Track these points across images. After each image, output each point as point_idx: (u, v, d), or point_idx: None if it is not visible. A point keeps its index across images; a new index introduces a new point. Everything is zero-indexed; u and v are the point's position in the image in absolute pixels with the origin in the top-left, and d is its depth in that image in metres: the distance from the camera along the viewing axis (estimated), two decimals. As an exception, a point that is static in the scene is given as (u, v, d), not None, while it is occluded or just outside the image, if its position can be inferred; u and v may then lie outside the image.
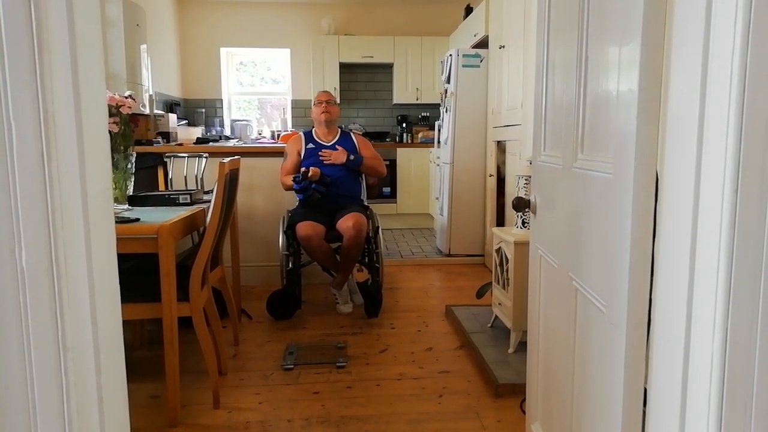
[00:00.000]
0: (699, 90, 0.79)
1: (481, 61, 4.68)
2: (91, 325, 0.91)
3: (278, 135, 6.24)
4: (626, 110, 1.01)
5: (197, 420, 2.18)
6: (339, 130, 3.71)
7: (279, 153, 3.89)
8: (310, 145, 3.59)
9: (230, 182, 2.44)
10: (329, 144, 3.61)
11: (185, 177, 3.68)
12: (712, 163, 0.77)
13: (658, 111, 0.94)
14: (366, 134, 5.97)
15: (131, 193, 2.52)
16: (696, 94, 0.79)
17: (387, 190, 6.33)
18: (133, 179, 2.51)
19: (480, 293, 3.23)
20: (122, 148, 2.36)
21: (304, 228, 3.19)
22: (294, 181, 3.38)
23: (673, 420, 0.86)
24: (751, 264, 0.75)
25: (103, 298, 0.94)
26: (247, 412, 2.23)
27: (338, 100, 6.59)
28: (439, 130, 5.25)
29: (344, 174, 3.54)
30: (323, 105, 3.60)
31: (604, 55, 1.15)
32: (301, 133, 3.69)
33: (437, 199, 5.29)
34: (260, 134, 6.82)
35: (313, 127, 3.73)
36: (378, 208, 3.80)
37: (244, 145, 5.13)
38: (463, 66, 4.69)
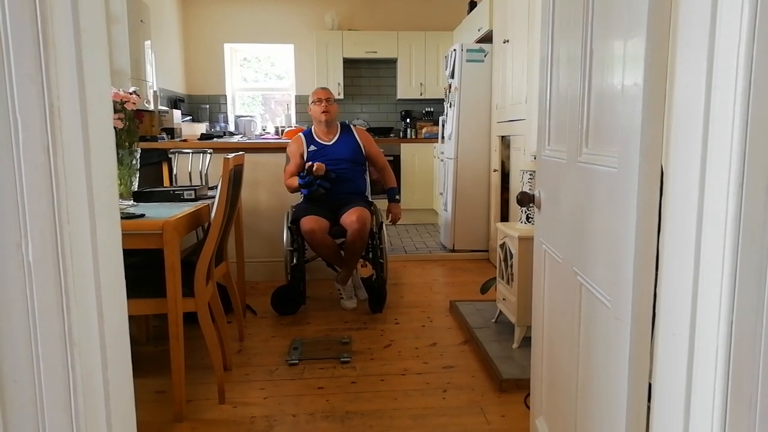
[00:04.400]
0: (704, 84, 0.78)
1: (485, 56, 4.67)
2: (98, 320, 0.92)
3: (282, 130, 6.24)
4: (631, 104, 1.00)
5: (203, 415, 2.19)
6: (338, 126, 3.67)
7: (283, 149, 3.89)
8: (312, 147, 3.55)
9: (234, 178, 2.44)
10: (331, 144, 3.58)
11: (190, 173, 3.68)
12: (718, 157, 0.76)
13: (664, 105, 0.94)
14: (370, 129, 5.96)
15: (136, 189, 2.53)
16: (701, 88, 0.79)
17: (391, 185, 6.32)
18: (137, 175, 2.52)
19: (484, 288, 3.23)
20: (127, 144, 2.36)
21: (308, 222, 3.19)
22: (299, 176, 3.38)
23: (677, 414, 0.86)
24: (757, 257, 0.74)
25: (109, 293, 0.95)
26: (252, 407, 2.24)
27: (342, 96, 6.61)
28: (443, 126, 5.24)
29: (349, 169, 3.53)
30: (323, 104, 3.52)
31: (609, 49, 1.15)
32: (301, 135, 3.63)
33: (441, 194, 5.28)
34: (264, 130, 6.82)
35: (312, 125, 3.70)
36: (382, 203, 3.81)
37: (248, 140, 5.13)
38: (467, 61, 4.67)
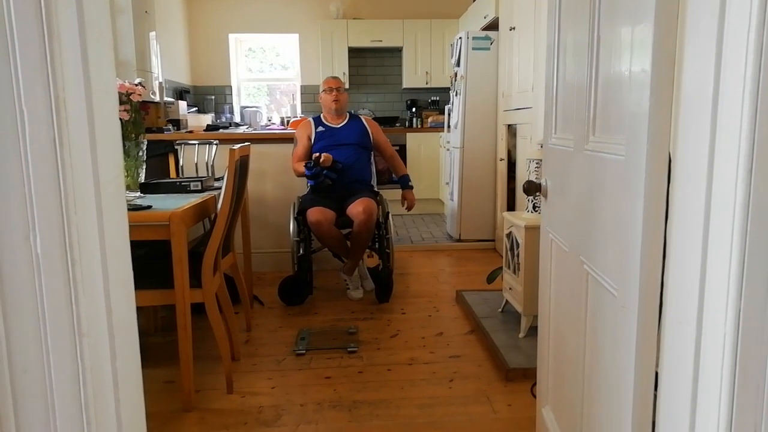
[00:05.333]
0: (713, 70, 0.77)
1: (491, 44, 4.63)
2: (106, 311, 0.92)
3: (288, 121, 6.23)
4: (639, 91, 0.99)
5: (211, 404, 2.21)
6: (348, 114, 3.70)
7: (289, 139, 3.89)
8: (320, 129, 3.59)
9: (241, 169, 2.44)
10: (339, 126, 3.60)
11: (196, 164, 3.69)
12: (726, 144, 0.76)
13: (671, 92, 0.93)
14: (375, 119, 5.93)
15: (143, 181, 2.54)
16: (710, 74, 0.78)
17: (397, 175, 6.31)
18: (144, 167, 2.52)
19: (490, 278, 3.23)
20: (133, 135, 2.37)
21: (315, 213, 3.19)
22: (306, 167, 3.38)
23: (684, 403, 0.86)
24: (765, 245, 0.74)
25: (117, 284, 0.95)
26: (260, 397, 2.26)
27: (347, 85, 6.58)
28: (449, 115, 5.21)
29: (355, 160, 3.53)
30: (333, 93, 3.57)
31: (617, 36, 1.14)
32: (310, 119, 3.68)
33: (447, 184, 5.27)
34: (270, 120, 6.82)
35: (321, 112, 3.73)
36: (388, 193, 3.81)
37: (253, 131, 5.13)
38: (473, 49, 4.64)
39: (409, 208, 3.72)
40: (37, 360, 0.87)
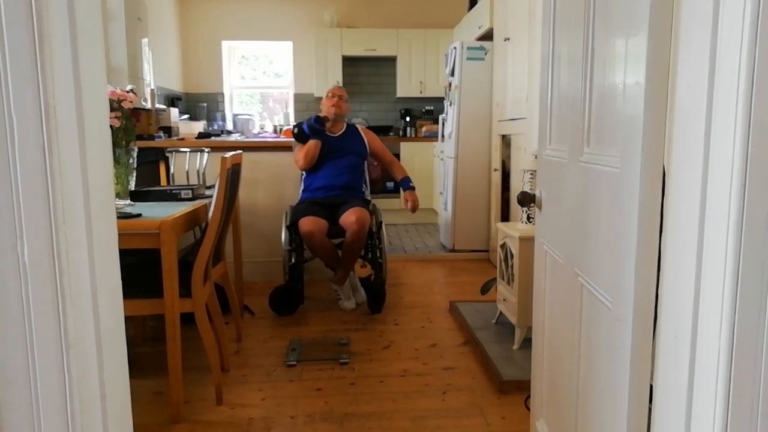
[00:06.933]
0: (707, 82, 0.77)
1: (485, 54, 4.66)
2: (93, 321, 0.91)
3: (280, 129, 6.23)
4: (633, 103, 1.00)
5: (200, 416, 2.18)
6: (345, 124, 3.72)
7: (281, 147, 3.88)
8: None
9: (232, 177, 2.43)
10: (336, 136, 3.62)
11: (187, 172, 3.67)
12: (720, 156, 0.76)
13: (665, 104, 0.93)
14: (369, 128, 5.94)
15: (133, 189, 2.52)
16: (704, 87, 0.78)
17: (390, 184, 6.31)
18: (134, 174, 2.50)
19: (484, 289, 3.22)
20: (124, 142, 2.35)
21: (307, 224, 3.18)
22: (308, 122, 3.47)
23: (679, 417, 0.86)
24: (759, 259, 0.74)
25: (105, 294, 0.94)
26: (249, 409, 2.23)
27: (341, 95, 6.60)
28: (443, 124, 5.23)
29: (351, 161, 3.56)
30: (336, 99, 3.61)
31: (611, 48, 1.14)
32: None
33: (441, 194, 5.28)
34: (262, 128, 6.81)
35: None
36: (381, 202, 3.81)
37: (246, 139, 5.13)
38: (468, 59, 4.66)
39: (413, 209, 3.72)
40: (23, 371, 0.85)
